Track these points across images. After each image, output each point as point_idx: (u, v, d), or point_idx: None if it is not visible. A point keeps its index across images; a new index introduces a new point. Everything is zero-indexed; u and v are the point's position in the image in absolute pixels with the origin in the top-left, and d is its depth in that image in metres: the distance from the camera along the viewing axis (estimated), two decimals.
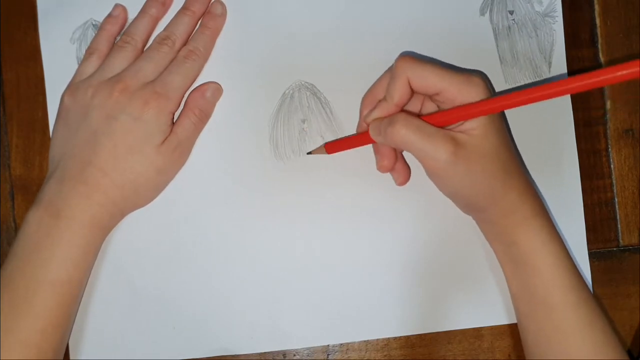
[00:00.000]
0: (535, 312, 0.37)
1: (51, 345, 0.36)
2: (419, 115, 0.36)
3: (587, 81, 0.29)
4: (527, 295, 0.37)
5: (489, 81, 0.41)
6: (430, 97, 0.36)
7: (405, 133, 0.34)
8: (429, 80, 0.34)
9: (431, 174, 0.36)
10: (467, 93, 0.34)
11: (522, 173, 0.37)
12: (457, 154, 0.34)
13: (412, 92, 0.36)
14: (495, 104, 0.32)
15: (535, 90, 0.31)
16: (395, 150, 0.38)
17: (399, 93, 0.35)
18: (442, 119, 0.34)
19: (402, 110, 0.36)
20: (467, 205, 0.38)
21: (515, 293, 0.38)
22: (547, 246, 0.36)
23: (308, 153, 0.41)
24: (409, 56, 0.35)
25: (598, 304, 0.37)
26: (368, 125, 0.37)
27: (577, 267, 0.37)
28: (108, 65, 0.39)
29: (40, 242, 0.36)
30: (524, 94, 0.31)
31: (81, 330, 0.40)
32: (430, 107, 0.38)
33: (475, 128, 0.34)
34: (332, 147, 0.40)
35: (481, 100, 0.34)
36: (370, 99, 0.39)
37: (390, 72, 0.36)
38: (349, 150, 0.41)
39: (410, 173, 0.40)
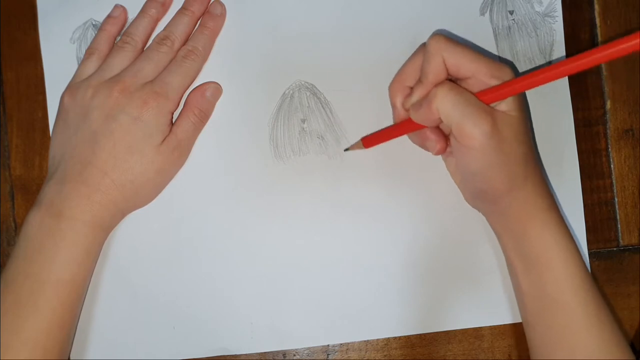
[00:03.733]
0: (545, 309, 0.36)
1: (56, 345, 0.36)
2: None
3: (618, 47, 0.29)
4: (537, 292, 0.36)
5: (518, 72, 0.41)
6: (460, 80, 0.36)
7: (454, 97, 0.33)
8: (463, 60, 0.34)
9: (463, 146, 0.34)
10: (498, 79, 0.34)
11: (539, 166, 0.37)
12: (495, 129, 0.33)
13: (447, 72, 0.35)
14: (539, 75, 0.32)
15: (574, 60, 0.31)
16: (439, 129, 0.37)
17: (434, 72, 0.35)
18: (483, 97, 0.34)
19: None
20: (484, 191, 0.37)
21: (524, 290, 0.37)
22: (560, 242, 0.36)
23: (345, 150, 0.41)
24: (442, 35, 0.35)
25: (605, 302, 0.36)
26: (407, 111, 0.36)
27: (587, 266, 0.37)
28: (108, 66, 0.39)
29: (42, 242, 0.36)
30: (566, 63, 0.31)
31: (81, 330, 0.40)
32: None
33: (511, 109, 0.34)
34: (369, 140, 0.39)
35: (524, 75, 0.33)
36: (398, 87, 0.38)
37: (420, 53, 0.36)
38: (349, 151, 0.41)
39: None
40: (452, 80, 0.36)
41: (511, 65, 0.36)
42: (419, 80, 0.36)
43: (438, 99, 0.34)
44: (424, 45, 0.36)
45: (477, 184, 0.37)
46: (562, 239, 0.36)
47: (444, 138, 0.37)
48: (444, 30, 0.41)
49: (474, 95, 0.34)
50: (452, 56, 0.34)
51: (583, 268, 0.36)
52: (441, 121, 0.35)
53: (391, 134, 0.39)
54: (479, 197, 0.38)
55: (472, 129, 0.33)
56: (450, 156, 0.39)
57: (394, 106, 0.38)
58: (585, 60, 0.31)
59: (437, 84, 0.34)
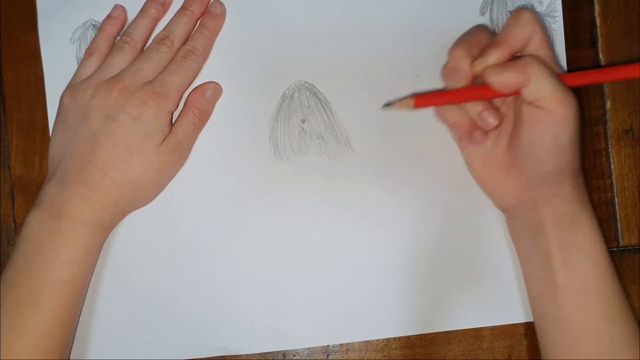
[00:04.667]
0: (585, 302, 0.35)
1: (57, 345, 0.36)
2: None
3: None
4: (576, 284, 0.36)
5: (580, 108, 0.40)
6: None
7: (548, 68, 0.34)
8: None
9: (559, 116, 0.35)
10: (562, 106, 0.35)
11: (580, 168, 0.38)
12: (575, 110, 0.35)
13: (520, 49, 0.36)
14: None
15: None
16: (494, 105, 0.37)
17: (521, 39, 0.36)
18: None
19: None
20: (556, 171, 0.36)
21: (560, 284, 0.36)
22: (601, 235, 0.36)
23: (387, 104, 0.39)
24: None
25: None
26: (475, 76, 0.36)
27: None
28: (107, 66, 0.39)
29: (43, 243, 0.36)
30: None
31: (81, 330, 0.40)
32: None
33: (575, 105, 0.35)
34: (422, 100, 0.36)
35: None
36: (466, 51, 0.36)
37: (483, 30, 0.38)
38: (349, 151, 0.41)
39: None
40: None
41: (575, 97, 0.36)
42: (496, 43, 0.36)
43: (535, 65, 0.34)
44: (511, 14, 0.37)
45: (551, 163, 0.36)
46: (600, 231, 0.36)
47: (497, 111, 0.37)
48: (448, 30, 0.41)
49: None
50: (538, 35, 0.36)
51: (611, 260, 0.36)
52: (519, 88, 0.35)
53: (450, 98, 0.36)
54: (540, 180, 0.36)
55: (568, 97, 0.34)
56: (471, 146, 0.39)
57: (459, 69, 0.36)
58: None
59: (522, 55, 0.35)
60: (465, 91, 0.36)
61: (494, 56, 0.35)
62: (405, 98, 0.37)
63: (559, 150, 0.36)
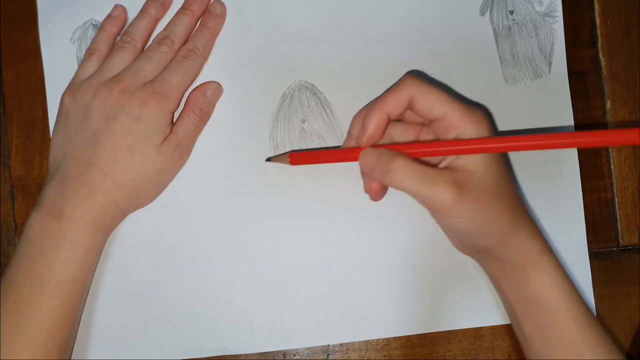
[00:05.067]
0: (550, 353, 0.35)
1: (57, 345, 0.36)
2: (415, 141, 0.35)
3: (590, 139, 0.31)
4: (540, 336, 0.36)
5: (491, 117, 0.41)
6: (429, 123, 0.36)
7: (404, 179, 0.33)
8: (434, 102, 0.34)
9: (437, 215, 0.35)
10: (468, 124, 0.33)
11: (525, 208, 0.37)
12: (462, 195, 0.33)
13: (403, 113, 0.35)
14: (499, 143, 0.32)
15: (539, 138, 0.32)
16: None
17: (394, 103, 0.35)
18: (441, 149, 0.34)
19: (395, 145, 0.35)
20: (475, 246, 0.37)
21: (527, 334, 0.36)
22: (559, 283, 0.35)
23: (267, 160, 0.40)
24: (417, 76, 0.35)
25: (611, 339, 0.36)
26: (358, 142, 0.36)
27: (586, 303, 0.36)
28: (108, 66, 0.39)
29: (44, 243, 0.36)
30: (527, 140, 0.32)
31: (81, 330, 0.40)
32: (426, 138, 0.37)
33: (475, 163, 0.33)
34: (297, 158, 0.38)
35: (486, 138, 0.33)
36: (357, 118, 0.37)
37: (391, 89, 0.35)
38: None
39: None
40: (425, 124, 0.36)
41: (486, 111, 0.36)
42: (374, 105, 0.35)
43: (396, 172, 0.33)
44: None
45: (465, 241, 0.37)
46: (560, 282, 0.35)
47: (382, 189, 0.37)
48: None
49: (428, 167, 0.33)
50: (425, 95, 0.34)
51: (586, 308, 0.35)
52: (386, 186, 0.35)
53: (323, 159, 0.38)
54: (472, 249, 0.38)
55: (436, 204, 0.33)
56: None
57: (349, 134, 0.37)
58: (561, 142, 0.31)
59: (394, 155, 0.34)
60: (338, 153, 0.37)
61: (374, 118, 0.35)
62: (283, 154, 0.39)
63: (461, 235, 0.36)
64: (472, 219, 0.34)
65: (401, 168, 0.33)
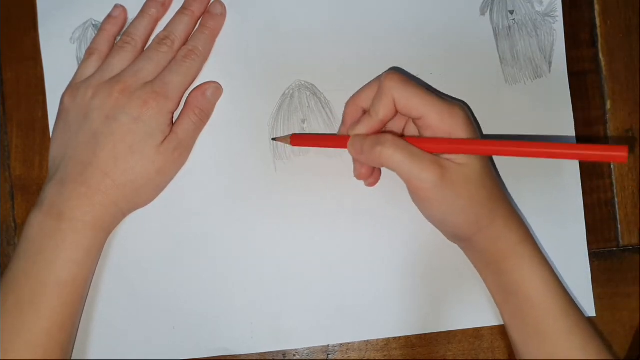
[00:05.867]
0: (528, 340, 0.36)
1: (57, 346, 0.36)
2: (402, 136, 0.36)
3: (575, 151, 0.31)
4: (519, 324, 0.36)
5: (471, 112, 0.41)
6: (412, 120, 0.36)
7: (392, 154, 0.34)
8: (412, 103, 0.35)
9: (418, 198, 0.36)
10: (447, 122, 0.34)
11: (506, 200, 0.37)
12: (444, 178, 0.34)
13: (396, 111, 0.36)
14: (483, 146, 0.34)
15: (524, 145, 0.32)
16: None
17: (384, 111, 0.35)
18: (426, 146, 0.35)
19: (387, 131, 0.36)
20: (454, 234, 0.38)
21: (507, 321, 0.37)
22: (537, 273, 0.36)
23: (273, 139, 0.41)
24: (396, 74, 0.35)
25: (592, 327, 0.36)
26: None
27: (569, 292, 0.36)
28: (108, 66, 0.39)
29: (44, 244, 0.36)
30: (514, 146, 0.33)
31: (81, 330, 0.40)
32: (412, 130, 0.38)
33: (458, 157, 0.34)
34: (298, 140, 0.40)
35: (470, 140, 0.34)
36: (354, 107, 0.38)
37: (376, 83, 0.36)
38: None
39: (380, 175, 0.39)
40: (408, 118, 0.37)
41: (463, 104, 0.37)
42: (368, 113, 0.36)
43: (384, 152, 0.34)
44: (379, 77, 0.36)
45: (444, 228, 0.38)
46: (539, 270, 0.36)
47: (371, 173, 0.38)
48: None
49: (415, 146, 0.34)
50: (403, 96, 0.35)
51: (564, 296, 0.36)
52: (377, 167, 0.36)
53: (322, 143, 0.40)
54: (452, 236, 0.38)
55: (418, 182, 0.34)
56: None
57: (343, 122, 0.39)
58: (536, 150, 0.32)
59: (382, 134, 0.35)
60: (337, 139, 0.38)
61: (362, 126, 0.36)
62: (286, 136, 0.40)
63: (440, 222, 0.37)
64: (452, 203, 0.34)
65: (390, 142, 0.34)
